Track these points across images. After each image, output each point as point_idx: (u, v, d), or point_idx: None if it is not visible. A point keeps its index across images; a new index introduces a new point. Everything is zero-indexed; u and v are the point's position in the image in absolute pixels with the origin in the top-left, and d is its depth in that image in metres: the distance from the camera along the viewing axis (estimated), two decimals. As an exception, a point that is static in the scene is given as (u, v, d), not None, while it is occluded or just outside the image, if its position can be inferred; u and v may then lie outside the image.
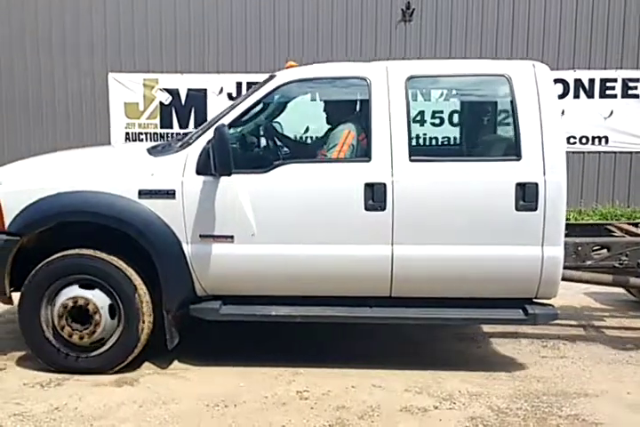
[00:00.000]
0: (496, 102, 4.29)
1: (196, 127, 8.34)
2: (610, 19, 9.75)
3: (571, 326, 4.84)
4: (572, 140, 9.93)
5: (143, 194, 3.68)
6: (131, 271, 3.75)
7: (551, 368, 3.99)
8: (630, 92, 9.87)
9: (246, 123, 4.08)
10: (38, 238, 3.87)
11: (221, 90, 9.68)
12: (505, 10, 9.60)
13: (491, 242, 3.68)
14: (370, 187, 3.65)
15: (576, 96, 9.87)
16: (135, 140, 9.87)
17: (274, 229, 3.71)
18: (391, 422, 3.26)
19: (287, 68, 4.10)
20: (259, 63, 9.38)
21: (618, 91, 9.89)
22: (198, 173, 3.68)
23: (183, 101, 9.77)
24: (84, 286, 3.76)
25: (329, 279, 3.77)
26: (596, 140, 9.95)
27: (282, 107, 4.46)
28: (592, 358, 4.17)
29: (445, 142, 4.16)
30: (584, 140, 9.94)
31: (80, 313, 3.73)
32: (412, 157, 3.69)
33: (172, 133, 9.60)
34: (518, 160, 3.67)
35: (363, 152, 3.83)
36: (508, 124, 3.94)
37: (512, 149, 3.72)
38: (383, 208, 3.65)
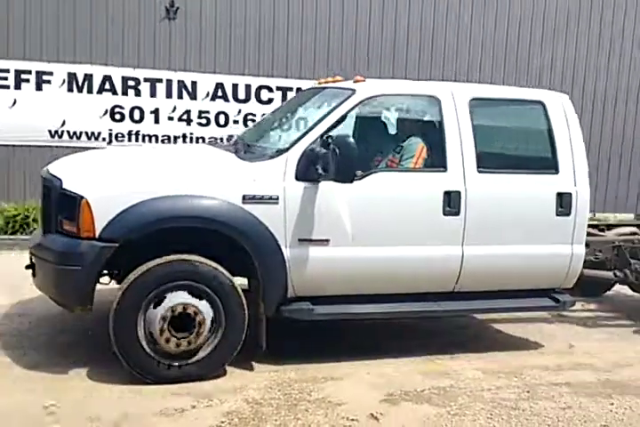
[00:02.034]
0: (537, 123, 4.68)
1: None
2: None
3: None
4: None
5: (247, 199, 3.73)
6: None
7: (300, 357, 4.16)
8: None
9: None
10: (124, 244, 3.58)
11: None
12: (266, 14, 10.01)
13: (537, 242, 4.38)
14: (447, 194, 4.12)
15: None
16: None
17: (366, 233, 3.98)
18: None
19: (334, 81, 4.63)
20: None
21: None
22: (297, 178, 3.83)
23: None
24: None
25: (410, 277, 4.14)
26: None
27: (361, 119, 4.61)
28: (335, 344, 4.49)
29: (501, 156, 4.68)
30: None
31: (181, 321, 3.59)
32: (480, 169, 4.21)
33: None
34: (557, 174, 4.42)
35: (438, 163, 4.21)
36: (547, 143, 4.52)
37: (552, 164, 4.43)
38: (457, 213, 4.15)
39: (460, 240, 4.20)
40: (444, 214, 4.13)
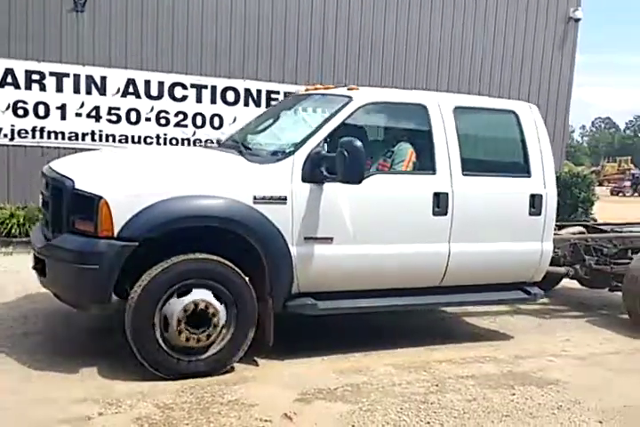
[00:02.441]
0: (511, 131, 5.04)
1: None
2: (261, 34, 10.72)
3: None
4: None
5: (258, 199, 3.91)
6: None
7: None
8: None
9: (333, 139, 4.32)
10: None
11: None
12: (179, 12, 9.84)
13: (513, 239, 4.77)
14: (437, 196, 4.43)
15: (246, 104, 10.63)
16: None
17: (365, 231, 4.23)
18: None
19: (325, 88, 4.94)
20: None
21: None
22: (304, 180, 4.05)
23: None
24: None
25: (404, 273, 4.43)
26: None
27: (356, 124, 4.71)
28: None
29: (481, 161, 5.02)
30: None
31: (197, 317, 3.72)
32: (464, 172, 4.54)
33: None
34: (529, 177, 4.83)
35: (428, 166, 4.52)
36: (520, 149, 4.92)
37: (525, 168, 4.83)
38: (445, 213, 4.46)
39: (447, 238, 4.53)
40: (434, 214, 4.45)
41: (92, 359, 4.00)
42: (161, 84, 10.15)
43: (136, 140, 10.14)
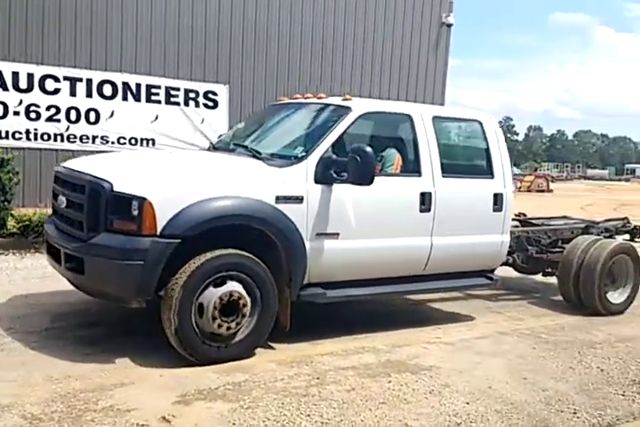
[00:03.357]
0: (477, 138, 5.76)
1: None
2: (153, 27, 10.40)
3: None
4: (122, 141, 10.25)
5: (279, 199, 4.37)
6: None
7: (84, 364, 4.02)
8: (172, 99, 10.75)
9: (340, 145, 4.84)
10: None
11: None
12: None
13: (481, 232, 5.50)
14: (422, 195, 5.07)
15: (124, 98, 10.24)
16: None
17: (365, 227, 4.79)
18: None
19: (318, 98, 5.37)
20: None
21: (162, 97, 10.64)
22: (316, 181, 4.55)
23: None
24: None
25: (396, 263, 5.05)
26: (144, 141, 10.51)
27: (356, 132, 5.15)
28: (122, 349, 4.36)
29: (456, 164, 5.60)
30: (133, 142, 10.38)
31: (228, 306, 4.13)
32: (444, 174, 5.19)
33: None
34: (493, 178, 5.57)
35: (415, 169, 5.13)
36: (484, 153, 5.67)
37: (489, 170, 5.58)
38: (429, 210, 5.10)
39: (430, 232, 5.16)
40: (420, 211, 5.07)
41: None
42: (30, 75, 9.56)
43: (3, 135, 9.48)
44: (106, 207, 4.05)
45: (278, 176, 4.47)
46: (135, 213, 3.95)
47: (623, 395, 4.12)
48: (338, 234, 4.68)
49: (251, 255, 4.28)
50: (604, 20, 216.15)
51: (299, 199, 4.47)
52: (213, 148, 5.67)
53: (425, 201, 5.09)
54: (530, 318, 5.94)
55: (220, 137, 6.15)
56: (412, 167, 5.19)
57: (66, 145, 9.82)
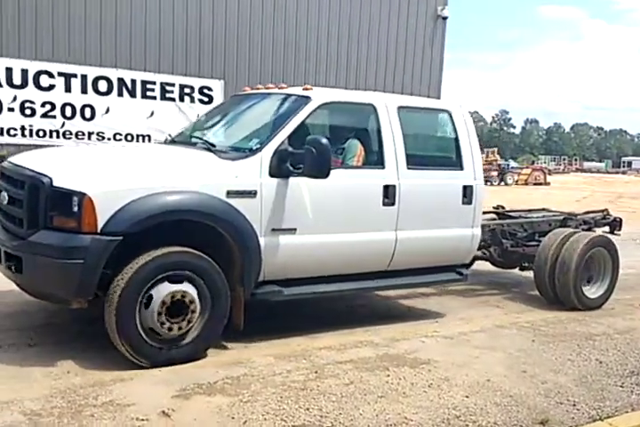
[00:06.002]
0: (446, 128, 5.51)
1: None
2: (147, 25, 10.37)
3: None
4: (117, 137, 10.23)
5: (230, 193, 4.15)
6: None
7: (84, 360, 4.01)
8: (167, 95, 10.72)
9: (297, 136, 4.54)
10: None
11: None
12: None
13: (449, 226, 5.27)
14: (386, 188, 4.83)
15: (120, 94, 10.21)
16: None
17: (324, 222, 4.59)
18: None
19: (279, 88, 5.16)
20: None
21: (157, 93, 10.61)
22: (271, 175, 4.33)
23: None
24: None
25: (358, 259, 4.83)
26: (140, 137, 10.49)
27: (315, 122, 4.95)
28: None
29: (422, 155, 5.34)
30: (129, 138, 10.36)
31: (174, 307, 3.93)
32: (409, 166, 4.95)
33: None
34: (462, 170, 5.32)
35: (378, 161, 4.91)
36: (454, 144, 5.38)
37: (458, 162, 5.33)
38: (393, 204, 4.86)
39: (394, 226, 4.95)
40: (383, 205, 4.85)
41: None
42: (24, 71, 9.51)
43: (-2, 131, 9.44)
44: (45, 203, 3.82)
45: (230, 169, 4.26)
46: (75, 209, 3.73)
47: (622, 386, 4.13)
48: (295, 229, 4.47)
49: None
50: (595, 13, 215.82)
51: (252, 194, 4.25)
52: (172, 141, 5.46)
53: (389, 194, 4.86)
54: (528, 312, 5.93)
55: (180, 130, 5.84)
56: (375, 159, 4.97)
57: (62, 141, 9.78)
